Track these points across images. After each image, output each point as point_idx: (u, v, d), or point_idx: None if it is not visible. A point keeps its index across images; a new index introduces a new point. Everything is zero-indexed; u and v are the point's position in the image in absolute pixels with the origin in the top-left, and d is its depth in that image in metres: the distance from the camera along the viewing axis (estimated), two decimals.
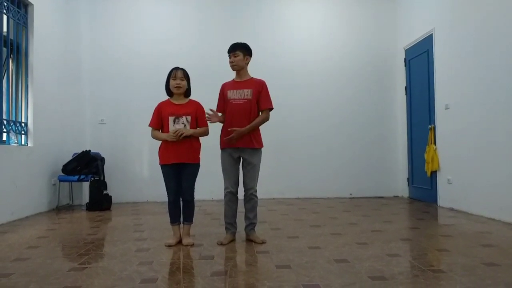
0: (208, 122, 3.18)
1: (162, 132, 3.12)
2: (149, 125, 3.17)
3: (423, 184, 5.52)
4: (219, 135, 3.27)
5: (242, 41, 3.27)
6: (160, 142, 3.15)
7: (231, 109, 3.16)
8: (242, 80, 3.23)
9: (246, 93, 3.15)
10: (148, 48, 6.02)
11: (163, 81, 3.20)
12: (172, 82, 3.10)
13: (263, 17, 6.18)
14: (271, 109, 3.24)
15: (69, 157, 5.46)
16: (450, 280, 2.18)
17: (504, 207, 3.87)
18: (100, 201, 5.14)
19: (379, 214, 4.51)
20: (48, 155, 5.14)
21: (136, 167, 5.97)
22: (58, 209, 5.23)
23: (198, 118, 3.14)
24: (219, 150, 3.26)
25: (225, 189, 3.19)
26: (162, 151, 3.12)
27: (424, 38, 5.43)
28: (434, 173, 5.16)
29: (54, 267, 2.52)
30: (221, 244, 3.10)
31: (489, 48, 4.13)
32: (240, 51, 3.17)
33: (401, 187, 6.13)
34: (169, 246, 3.06)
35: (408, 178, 5.97)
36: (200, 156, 3.18)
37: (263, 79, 3.27)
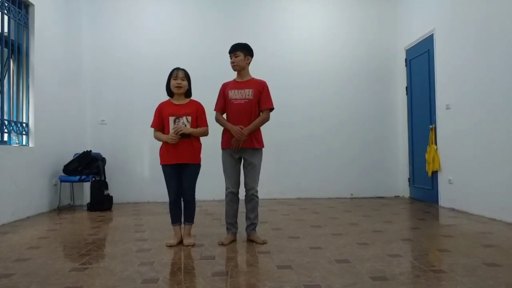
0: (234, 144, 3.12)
1: (163, 132, 3.12)
2: (151, 126, 3.18)
3: (424, 184, 5.52)
4: (220, 135, 3.27)
5: (242, 41, 3.27)
6: (161, 142, 3.15)
7: (232, 109, 3.17)
8: (244, 80, 3.23)
9: (248, 93, 3.15)
10: (149, 48, 6.03)
11: (164, 81, 3.20)
12: (173, 82, 3.10)
13: (263, 17, 6.18)
14: (272, 109, 3.24)
15: (70, 158, 5.47)
16: (451, 280, 2.18)
17: (505, 207, 3.87)
18: (101, 201, 5.15)
19: (380, 214, 4.51)
20: (49, 156, 5.14)
21: (137, 167, 5.98)
22: (59, 210, 5.23)
23: (198, 117, 3.14)
24: (220, 150, 3.27)
25: (226, 190, 3.19)
26: (163, 151, 3.12)
27: (425, 38, 5.42)
28: (435, 173, 5.16)
29: (55, 268, 2.53)
30: (222, 244, 3.10)
31: (489, 48, 4.13)
32: (241, 52, 3.17)
33: (402, 187, 6.12)
34: (170, 246, 3.06)
35: (409, 178, 5.96)
36: (201, 156, 3.19)
37: (264, 80, 3.27)
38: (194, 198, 3.18)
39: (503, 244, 2.99)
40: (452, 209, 4.70)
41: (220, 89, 3.30)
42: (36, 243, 3.27)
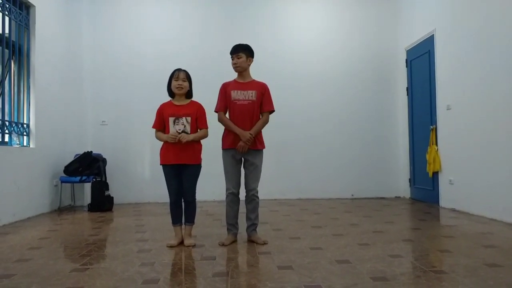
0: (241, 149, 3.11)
1: (164, 133, 3.13)
2: (153, 127, 3.20)
3: (424, 185, 5.51)
4: (220, 136, 3.27)
5: (243, 42, 3.27)
6: (162, 142, 3.16)
7: (235, 109, 3.16)
8: (246, 81, 3.23)
9: (251, 94, 3.16)
10: (149, 49, 6.03)
11: (164, 82, 3.20)
12: (174, 83, 3.11)
13: (264, 17, 6.18)
14: (272, 111, 3.25)
15: (71, 158, 5.48)
16: (452, 281, 2.18)
17: (506, 207, 3.86)
18: (102, 202, 5.15)
19: (380, 215, 4.50)
20: (50, 156, 5.15)
21: (138, 168, 5.98)
22: (60, 210, 5.23)
23: (198, 119, 3.14)
24: (221, 151, 3.26)
25: (226, 190, 3.19)
26: (163, 151, 3.13)
27: (425, 39, 5.42)
28: (435, 174, 5.15)
29: (56, 268, 2.53)
30: (223, 245, 3.10)
31: (490, 49, 4.13)
32: (243, 53, 3.17)
33: (403, 188, 6.12)
34: (171, 247, 3.06)
35: (409, 179, 5.96)
36: (202, 156, 3.19)
37: (265, 82, 3.28)
38: (194, 199, 3.18)
39: (504, 245, 2.99)
40: (453, 210, 4.70)
41: (221, 89, 3.27)
42: (37, 243, 3.27)
